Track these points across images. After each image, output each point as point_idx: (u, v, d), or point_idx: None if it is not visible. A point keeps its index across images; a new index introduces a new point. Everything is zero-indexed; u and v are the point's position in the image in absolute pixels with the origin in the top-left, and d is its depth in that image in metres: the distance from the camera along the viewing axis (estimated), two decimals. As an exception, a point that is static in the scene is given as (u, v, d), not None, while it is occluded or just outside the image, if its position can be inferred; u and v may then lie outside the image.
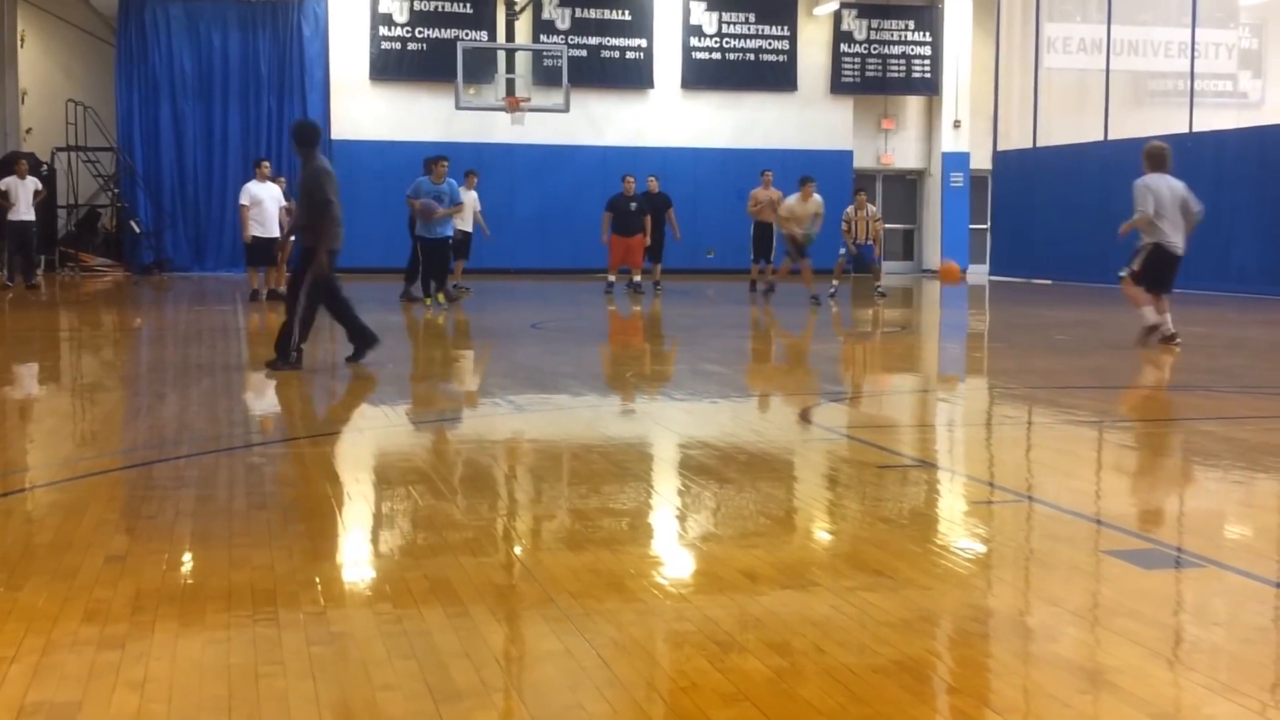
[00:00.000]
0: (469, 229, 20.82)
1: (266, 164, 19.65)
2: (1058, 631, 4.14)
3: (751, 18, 29.14)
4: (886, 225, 23.47)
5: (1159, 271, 12.78)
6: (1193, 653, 4.00)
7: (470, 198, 20.70)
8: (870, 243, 20.88)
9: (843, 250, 20.82)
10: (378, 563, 5.08)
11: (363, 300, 20.53)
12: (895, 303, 20.49)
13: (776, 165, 25.93)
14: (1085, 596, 4.58)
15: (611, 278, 21.96)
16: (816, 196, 20.10)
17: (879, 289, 21.11)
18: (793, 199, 20.21)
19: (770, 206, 22.21)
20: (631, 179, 21.98)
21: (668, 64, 28.78)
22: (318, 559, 5.03)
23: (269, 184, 19.19)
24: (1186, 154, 22.84)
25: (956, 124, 30.35)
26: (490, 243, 21.41)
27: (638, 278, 22.20)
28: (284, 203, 19.20)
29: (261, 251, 19.02)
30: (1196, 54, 23.72)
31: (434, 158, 18.05)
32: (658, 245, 22.53)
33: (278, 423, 8.96)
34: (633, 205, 21.83)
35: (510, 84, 25.43)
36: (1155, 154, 12.88)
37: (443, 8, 27.53)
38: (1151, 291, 12.80)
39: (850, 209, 20.95)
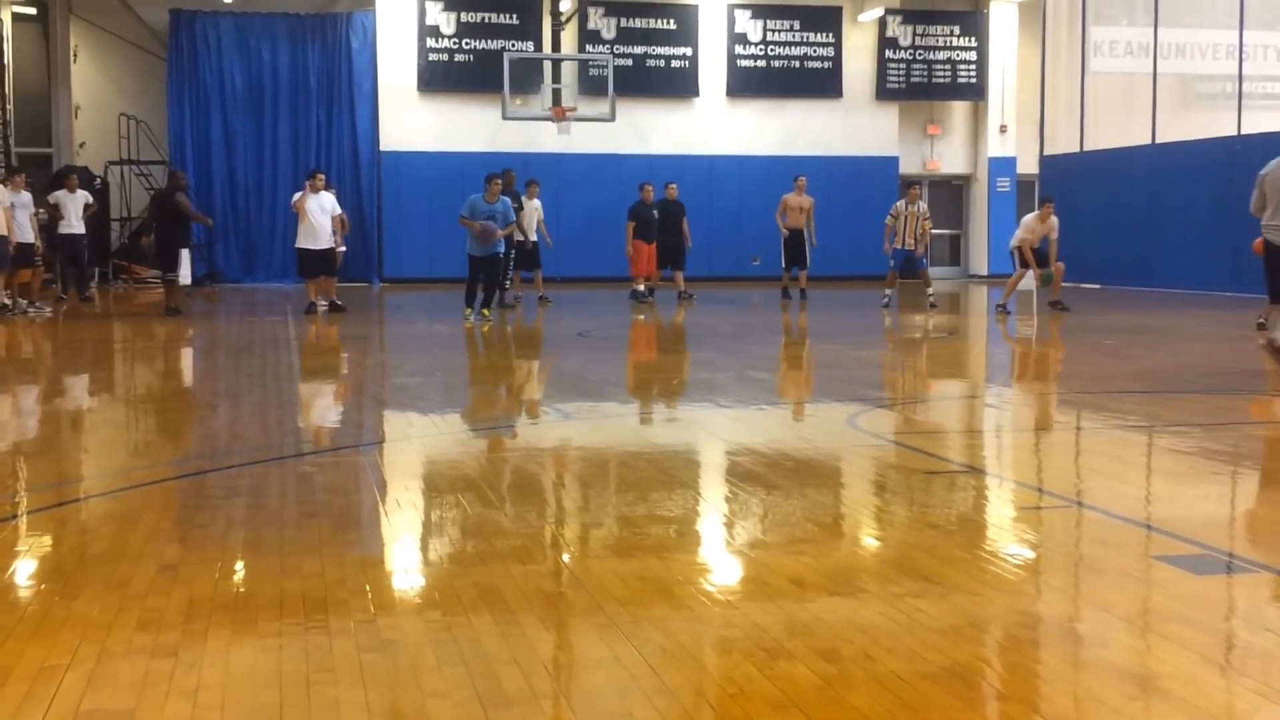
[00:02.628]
0: (534, 238, 20.92)
1: (321, 176, 19.78)
2: (1108, 637, 4.12)
3: (796, 25, 29.10)
4: (933, 231, 23.08)
5: None
6: (1245, 659, 3.97)
7: (532, 206, 20.82)
8: (914, 247, 20.48)
9: (893, 262, 20.63)
10: (427, 570, 5.11)
11: (411, 309, 20.87)
12: (942, 308, 20.36)
13: (822, 172, 25.90)
14: (1135, 602, 4.55)
15: (641, 285, 21.89)
16: (1054, 219, 18.76)
17: (931, 297, 20.77)
18: (1030, 217, 19.02)
19: (800, 212, 22.07)
20: (651, 186, 22.00)
21: (713, 72, 28.79)
22: (368, 567, 5.07)
23: (323, 194, 19.34)
24: (1235, 157, 22.75)
25: (1003, 129, 30.22)
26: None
27: (650, 285, 21.98)
28: (336, 212, 19.37)
29: (311, 262, 19.15)
30: (1244, 56, 23.50)
31: (494, 174, 17.91)
32: (680, 252, 22.28)
33: (328, 432, 9.02)
34: (655, 213, 21.83)
35: (556, 94, 25.55)
36: None
37: (489, 19, 27.65)
38: None
39: (900, 203, 20.70)
